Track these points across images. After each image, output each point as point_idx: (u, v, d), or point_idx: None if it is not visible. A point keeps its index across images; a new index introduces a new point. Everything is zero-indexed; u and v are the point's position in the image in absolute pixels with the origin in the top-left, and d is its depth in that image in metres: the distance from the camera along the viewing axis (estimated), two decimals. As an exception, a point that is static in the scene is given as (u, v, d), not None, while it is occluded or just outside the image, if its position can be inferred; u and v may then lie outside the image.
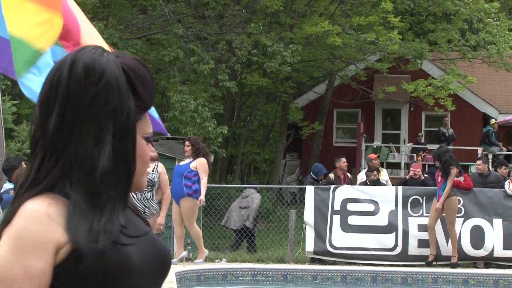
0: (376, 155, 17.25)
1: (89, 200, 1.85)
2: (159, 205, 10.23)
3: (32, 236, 1.78)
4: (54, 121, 1.88)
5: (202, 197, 12.56)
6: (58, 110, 1.88)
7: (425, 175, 16.53)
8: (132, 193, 9.02)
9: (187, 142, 12.38)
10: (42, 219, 1.80)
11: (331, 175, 15.68)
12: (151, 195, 9.71)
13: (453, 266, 13.95)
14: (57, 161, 1.87)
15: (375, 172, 15.57)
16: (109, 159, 1.87)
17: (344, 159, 15.91)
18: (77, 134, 1.87)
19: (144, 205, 9.65)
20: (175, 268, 13.00)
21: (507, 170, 16.12)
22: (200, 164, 12.39)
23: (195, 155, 12.28)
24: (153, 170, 9.59)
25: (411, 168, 16.16)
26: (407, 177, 15.22)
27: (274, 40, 21.33)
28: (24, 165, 7.98)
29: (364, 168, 19.16)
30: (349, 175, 16.33)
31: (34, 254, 1.77)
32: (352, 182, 16.11)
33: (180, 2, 22.47)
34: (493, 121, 24.50)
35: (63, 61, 1.92)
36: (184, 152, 12.37)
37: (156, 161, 9.61)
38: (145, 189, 9.51)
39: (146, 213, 9.53)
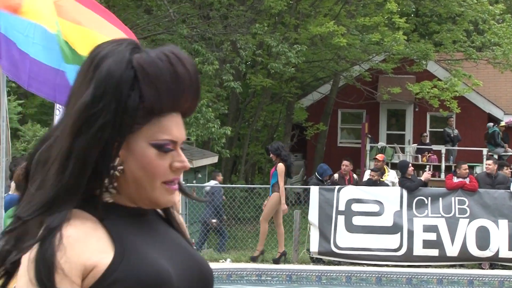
0: (382, 156, 17.15)
1: None
2: None
3: None
4: None
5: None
6: None
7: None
8: None
9: None
10: None
11: (336, 176, 15.62)
12: None
13: (253, 259, 14.10)
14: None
15: (372, 173, 15.53)
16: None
17: (345, 162, 15.72)
18: None
19: None
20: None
21: (509, 171, 16.10)
22: None
23: None
24: None
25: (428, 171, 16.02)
26: (423, 178, 15.11)
27: (278, 41, 21.32)
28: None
29: (369, 168, 19.15)
30: (354, 176, 16.26)
31: None
32: (358, 183, 16.00)
33: (184, 2, 22.47)
34: (502, 123, 24.44)
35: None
36: None
37: None
38: None
39: None
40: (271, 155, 13.94)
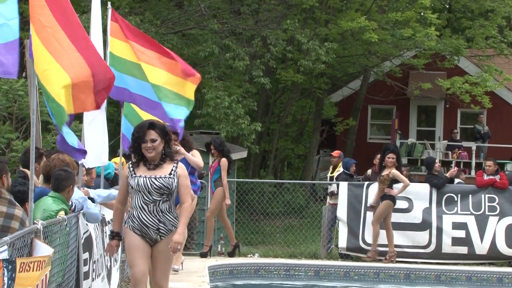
0: (338, 152, 16.45)
1: None
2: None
3: None
4: None
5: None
6: None
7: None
8: (143, 205, 7.10)
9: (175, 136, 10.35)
10: None
11: (369, 171, 15.47)
12: (167, 207, 7.13)
13: (203, 255, 13.71)
14: None
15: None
16: None
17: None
18: None
19: (159, 220, 7.06)
20: (208, 262, 13.05)
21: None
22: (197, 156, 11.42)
23: (188, 149, 11.15)
24: (170, 173, 7.12)
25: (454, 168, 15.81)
26: (448, 175, 14.87)
27: (309, 37, 21.26)
28: (45, 158, 7.91)
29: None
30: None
31: None
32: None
33: (215, -3, 22.48)
34: None
35: None
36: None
37: (175, 162, 7.26)
38: (159, 199, 7.04)
39: (160, 230, 7.07)
40: (212, 151, 13.71)
